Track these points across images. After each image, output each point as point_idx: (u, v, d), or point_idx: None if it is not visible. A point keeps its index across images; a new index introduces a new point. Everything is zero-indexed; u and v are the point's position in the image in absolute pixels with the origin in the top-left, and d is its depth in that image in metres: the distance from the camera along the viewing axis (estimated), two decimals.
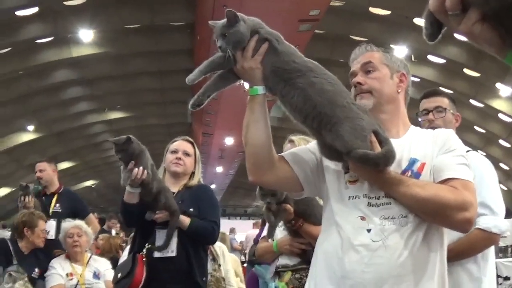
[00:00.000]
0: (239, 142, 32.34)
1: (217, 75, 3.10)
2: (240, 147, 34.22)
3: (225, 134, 32.85)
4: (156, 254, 5.10)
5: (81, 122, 36.78)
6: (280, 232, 4.83)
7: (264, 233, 5.27)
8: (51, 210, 7.78)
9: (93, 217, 8.29)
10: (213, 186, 46.20)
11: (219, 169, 43.15)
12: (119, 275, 5.18)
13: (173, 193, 5.30)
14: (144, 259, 5.08)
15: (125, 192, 5.09)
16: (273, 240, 4.86)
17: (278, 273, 4.81)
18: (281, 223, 4.77)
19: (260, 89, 3.05)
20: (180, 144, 5.54)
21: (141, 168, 4.89)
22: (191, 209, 5.25)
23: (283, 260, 4.81)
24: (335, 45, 25.61)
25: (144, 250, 5.12)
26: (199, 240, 5.32)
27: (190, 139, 5.67)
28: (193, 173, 5.53)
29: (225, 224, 25.83)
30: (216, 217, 5.40)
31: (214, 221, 5.32)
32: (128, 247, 7.58)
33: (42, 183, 8.16)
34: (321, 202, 4.64)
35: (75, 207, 7.90)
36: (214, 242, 5.81)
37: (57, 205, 7.90)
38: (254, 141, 3.09)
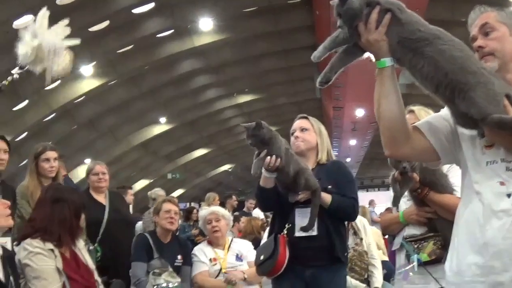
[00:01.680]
0: (371, 112, 31.97)
1: (343, 50, 3.08)
2: (372, 118, 33.85)
3: (355, 106, 32.61)
4: (297, 234, 5.09)
5: (212, 109, 37.28)
6: (405, 203, 4.74)
7: (388, 205, 5.22)
8: None
9: None
10: (348, 160, 46.21)
11: (353, 142, 42.90)
12: (262, 257, 5.22)
13: None
14: (286, 239, 5.09)
15: (261, 177, 5.10)
16: (398, 210, 4.80)
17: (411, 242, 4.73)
18: (405, 194, 4.70)
19: (387, 61, 2.99)
20: (295, 124, 5.52)
21: (273, 157, 4.87)
22: (329, 186, 5.20)
23: (409, 231, 4.73)
24: (455, 5, 24.88)
25: (285, 230, 5.13)
26: (341, 217, 5.30)
27: (304, 115, 5.62)
28: (317, 146, 5.46)
29: (363, 197, 25.70)
30: (355, 193, 5.35)
31: (354, 197, 5.27)
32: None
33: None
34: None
35: None
36: (355, 219, 5.77)
37: None
38: (387, 115, 3.03)
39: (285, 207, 5.18)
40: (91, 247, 6.64)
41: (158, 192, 13.24)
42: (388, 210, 5.22)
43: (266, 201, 5.32)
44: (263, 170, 5.02)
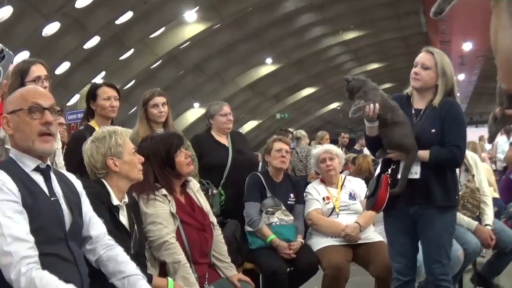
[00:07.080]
0: (479, 46, 31.21)
1: None
2: (479, 52, 33.06)
3: (463, 39, 31.86)
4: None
5: (318, 47, 37.17)
6: None
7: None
8: None
9: None
10: (457, 95, 45.13)
11: (461, 76, 41.91)
12: (367, 193, 5.39)
13: (420, 110, 5.21)
14: (388, 179, 5.16)
15: (365, 127, 5.19)
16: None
17: None
18: None
19: None
20: (420, 58, 5.25)
21: (371, 105, 4.92)
22: (432, 130, 5.09)
23: None
24: None
25: (389, 171, 5.20)
26: (443, 167, 5.15)
27: (431, 50, 5.30)
28: (437, 87, 5.20)
29: (473, 133, 25.24)
30: (461, 138, 5.17)
31: (458, 145, 5.09)
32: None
33: None
34: None
35: None
36: (458, 166, 5.64)
37: None
38: (504, 48, 2.97)
39: None
40: (214, 191, 6.69)
41: (302, 132, 13.92)
42: None
43: (373, 147, 5.43)
44: (365, 120, 5.10)
